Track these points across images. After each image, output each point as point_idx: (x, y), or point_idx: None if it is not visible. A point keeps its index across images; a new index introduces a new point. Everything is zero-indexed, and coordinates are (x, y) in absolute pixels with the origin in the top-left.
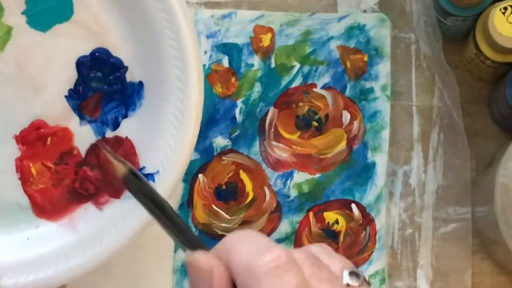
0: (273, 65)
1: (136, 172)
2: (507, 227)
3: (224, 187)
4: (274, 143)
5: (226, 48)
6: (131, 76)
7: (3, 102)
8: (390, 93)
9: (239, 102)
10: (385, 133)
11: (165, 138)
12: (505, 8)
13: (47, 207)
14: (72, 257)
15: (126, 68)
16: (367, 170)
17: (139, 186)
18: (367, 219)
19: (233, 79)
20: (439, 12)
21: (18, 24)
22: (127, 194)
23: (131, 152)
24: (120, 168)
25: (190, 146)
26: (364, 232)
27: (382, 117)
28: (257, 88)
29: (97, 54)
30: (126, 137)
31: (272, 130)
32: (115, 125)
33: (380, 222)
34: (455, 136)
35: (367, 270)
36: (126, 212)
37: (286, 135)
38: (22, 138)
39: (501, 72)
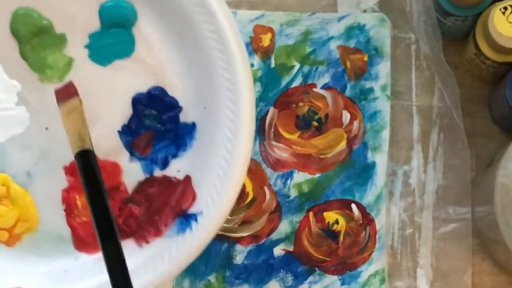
0: (273, 65)
1: (89, 155)
2: (507, 227)
3: None
4: (274, 143)
5: None
6: (185, 116)
7: (57, 133)
8: (390, 93)
9: None
10: (385, 133)
11: (212, 179)
12: (505, 8)
13: (88, 240)
14: None
15: (180, 108)
16: (367, 170)
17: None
18: (367, 219)
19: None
20: (439, 12)
21: (80, 56)
22: (168, 233)
23: (189, 190)
24: (74, 144)
25: (237, 188)
26: (364, 232)
27: (382, 117)
28: (257, 88)
29: (153, 92)
30: (187, 175)
31: (272, 130)
32: (164, 164)
33: (380, 222)
34: (455, 136)
35: (367, 270)
36: (166, 251)
37: (286, 135)
38: (71, 170)
39: (501, 72)
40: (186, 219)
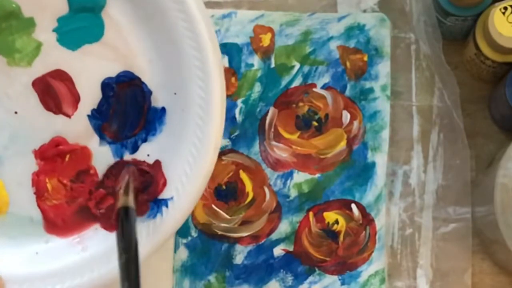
0: (273, 65)
1: (130, 212)
2: (507, 227)
3: (224, 187)
4: (274, 143)
5: (226, 48)
6: (154, 101)
7: (27, 116)
8: (390, 93)
9: (239, 102)
10: (385, 133)
11: (182, 165)
12: (505, 8)
13: (58, 223)
14: (78, 275)
15: (150, 92)
16: (367, 170)
17: (124, 225)
18: (367, 219)
19: (233, 79)
20: (439, 12)
21: (48, 40)
22: (139, 218)
23: (159, 175)
24: (121, 200)
25: (206, 176)
26: (364, 232)
27: (382, 117)
28: (257, 88)
29: (122, 77)
30: (157, 160)
31: (272, 130)
32: (134, 148)
33: (380, 222)
34: (455, 136)
35: (367, 270)
36: (137, 235)
37: (286, 135)
38: (41, 153)
39: (501, 72)
40: (156, 204)
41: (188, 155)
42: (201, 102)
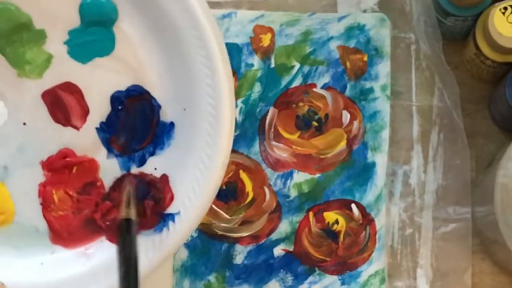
0: (273, 65)
1: (131, 224)
2: (507, 227)
3: (224, 187)
4: (274, 143)
5: (226, 48)
6: (163, 115)
7: (35, 128)
8: (390, 93)
9: (239, 102)
10: (385, 133)
11: (190, 180)
12: (505, 8)
13: (64, 234)
14: (83, 286)
15: (159, 106)
16: (367, 170)
17: (125, 237)
18: (367, 219)
19: (233, 79)
20: (439, 12)
21: (59, 53)
22: (145, 231)
23: (166, 189)
24: (123, 212)
25: (214, 191)
26: (364, 232)
27: (382, 117)
28: (257, 88)
29: (132, 91)
30: (164, 174)
31: (272, 130)
32: (142, 162)
33: (380, 222)
34: (455, 136)
35: (367, 270)
36: (143, 248)
37: (286, 135)
38: (49, 165)
39: (501, 72)
40: (163, 218)
41: (196, 170)
42: (210, 119)
